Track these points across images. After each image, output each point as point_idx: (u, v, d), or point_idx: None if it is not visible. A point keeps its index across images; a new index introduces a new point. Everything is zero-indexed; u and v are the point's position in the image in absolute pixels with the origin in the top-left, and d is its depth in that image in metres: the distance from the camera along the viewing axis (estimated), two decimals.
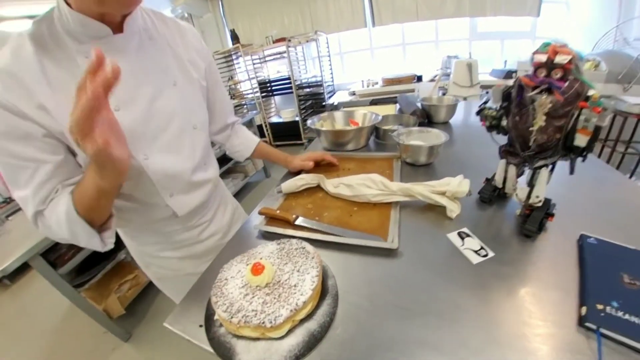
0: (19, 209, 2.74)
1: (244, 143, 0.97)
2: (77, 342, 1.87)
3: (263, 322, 0.44)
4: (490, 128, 0.64)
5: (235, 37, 3.93)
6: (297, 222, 0.71)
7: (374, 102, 3.16)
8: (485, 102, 0.64)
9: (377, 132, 1.21)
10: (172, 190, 0.70)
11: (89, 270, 1.74)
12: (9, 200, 2.81)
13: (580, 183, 0.73)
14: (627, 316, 0.40)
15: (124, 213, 0.70)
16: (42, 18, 0.53)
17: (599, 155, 2.06)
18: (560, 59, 0.49)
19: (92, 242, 0.56)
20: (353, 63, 4.34)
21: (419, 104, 1.35)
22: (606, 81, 2.15)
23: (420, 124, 1.21)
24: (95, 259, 1.77)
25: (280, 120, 4.41)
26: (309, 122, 1.23)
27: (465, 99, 2.43)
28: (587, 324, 0.41)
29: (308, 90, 3.96)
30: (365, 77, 3.73)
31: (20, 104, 0.49)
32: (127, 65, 0.57)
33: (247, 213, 0.80)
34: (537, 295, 0.47)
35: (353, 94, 3.61)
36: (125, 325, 1.82)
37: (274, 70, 4.24)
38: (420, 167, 0.93)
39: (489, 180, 0.71)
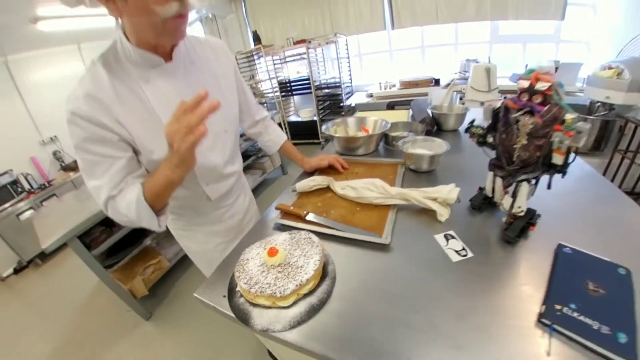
0: (53, 194, 2.97)
1: (272, 139, 1.16)
2: (101, 319, 2.04)
3: (274, 293, 0.56)
4: (479, 143, 0.71)
5: (257, 38, 4.04)
6: (308, 218, 0.82)
7: (390, 105, 3.18)
8: (472, 122, 0.71)
9: (386, 138, 1.28)
10: (208, 180, 0.88)
11: (117, 254, 1.91)
12: (43, 187, 3.04)
13: (576, 197, 0.77)
14: (581, 317, 0.46)
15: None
16: (108, 50, 0.68)
17: (618, 167, 2.01)
18: (540, 85, 0.56)
19: (151, 223, 0.69)
20: (372, 65, 4.34)
21: (429, 111, 1.41)
22: (628, 90, 2.06)
23: (429, 132, 1.27)
24: (124, 244, 1.93)
25: (299, 119, 4.49)
26: (323, 127, 1.32)
27: (482, 104, 2.43)
28: (543, 320, 0.47)
29: (326, 91, 4.01)
30: (383, 79, 3.73)
31: (102, 118, 0.64)
32: (177, 87, 0.73)
33: (265, 207, 0.93)
34: (507, 293, 0.54)
35: (370, 96, 3.63)
36: (147, 305, 1.98)
37: (294, 70, 4.33)
38: (422, 174, 1.00)
39: (481, 189, 0.78)
